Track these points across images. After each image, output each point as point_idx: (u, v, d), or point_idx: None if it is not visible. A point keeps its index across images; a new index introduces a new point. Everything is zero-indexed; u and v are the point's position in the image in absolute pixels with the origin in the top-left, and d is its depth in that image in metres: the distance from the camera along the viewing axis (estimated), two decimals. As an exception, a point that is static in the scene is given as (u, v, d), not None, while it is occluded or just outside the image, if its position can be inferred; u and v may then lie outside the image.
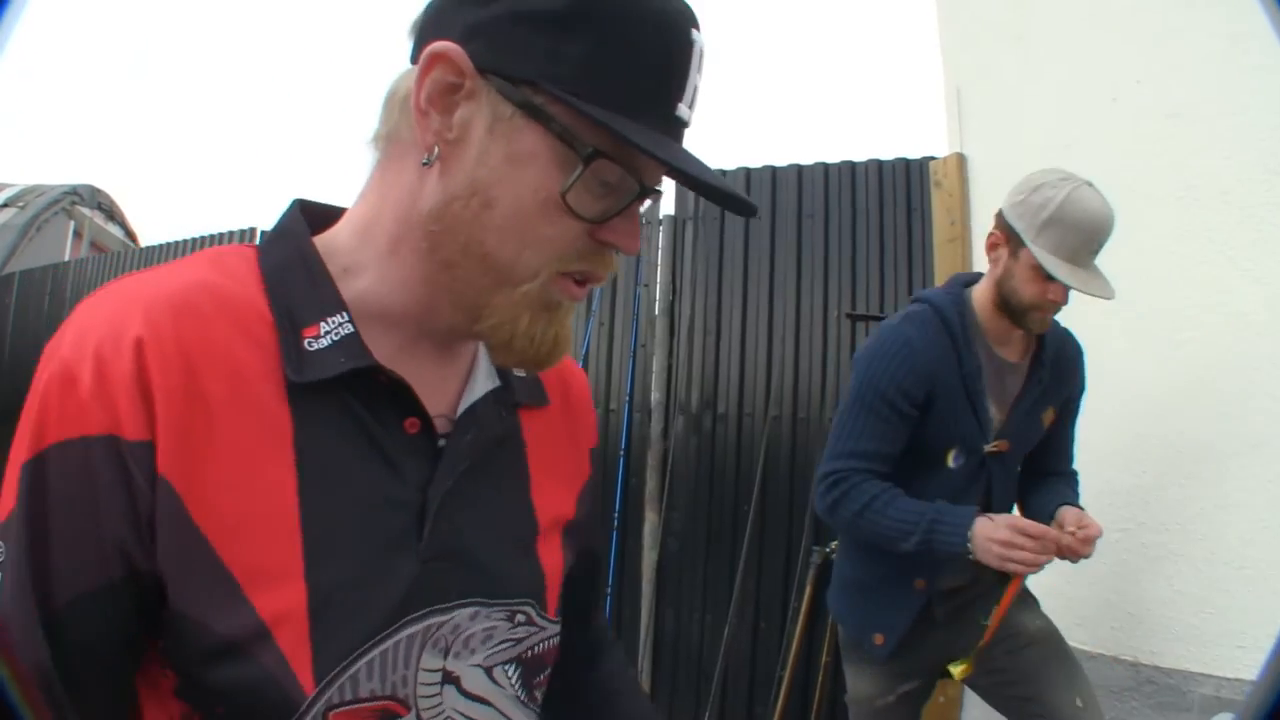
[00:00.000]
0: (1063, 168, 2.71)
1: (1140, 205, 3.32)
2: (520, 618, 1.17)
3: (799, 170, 5.46)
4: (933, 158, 4.93)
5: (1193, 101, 3.18)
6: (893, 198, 5.16)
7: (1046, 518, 2.72)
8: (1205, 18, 3.16)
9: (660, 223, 5.74)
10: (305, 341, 1.04)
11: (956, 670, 2.79)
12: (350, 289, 1.10)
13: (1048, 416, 2.93)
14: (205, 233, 8.52)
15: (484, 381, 1.20)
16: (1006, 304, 2.75)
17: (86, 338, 0.98)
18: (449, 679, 1.09)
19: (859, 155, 5.35)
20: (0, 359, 11.07)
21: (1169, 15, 3.32)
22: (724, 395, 5.48)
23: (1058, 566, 2.69)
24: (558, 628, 1.24)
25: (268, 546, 0.99)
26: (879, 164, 5.24)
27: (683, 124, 1.06)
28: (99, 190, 15.99)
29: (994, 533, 2.54)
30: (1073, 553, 2.59)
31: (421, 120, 1.03)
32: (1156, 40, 3.34)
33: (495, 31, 1.00)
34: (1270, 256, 2.93)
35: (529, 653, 1.19)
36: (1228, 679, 2.94)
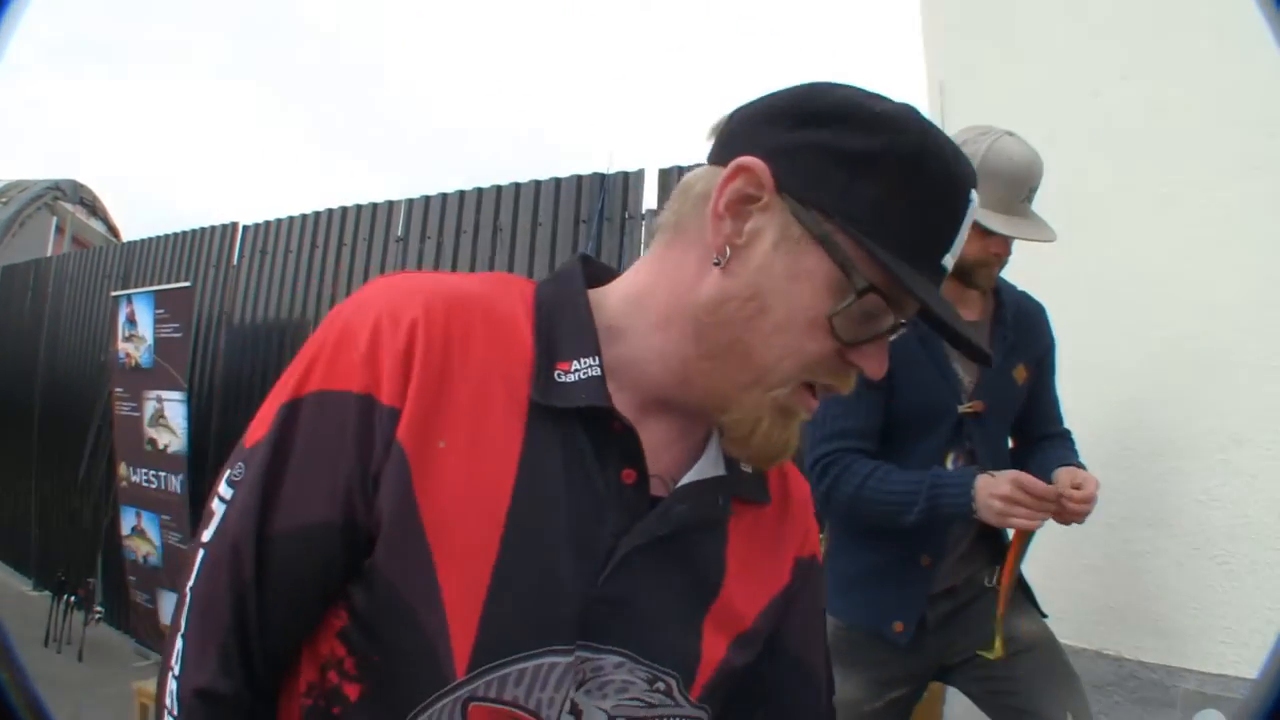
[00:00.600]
0: (989, 125, 2.71)
1: (1122, 200, 3.33)
2: (660, 685, 1.19)
3: (782, 164, 5.42)
4: (916, 152, 4.90)
5: (1176, 96, 3.19)
6: (877, 192, 5.12)
7: (1046, 480, 2.69)
8: (1189, 13, 3.16)
9: (644, 217, 5.68)
10: (556, 372, 1.14)
11: (989, 654, 2.72)
12: (610, 346, 1.18)
13: (1020, 374, 2.89)
14: (187, 227, 8.49)
15: (712, 466, 1.24)
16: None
17: (370, 309, 1.11)
18: (574, 710, 1.14)
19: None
20: (-18, 354, 11.05)
21: (1153, 10, 3.32)
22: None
23: (1043, 565, 2.69)
24: (698, 712, 1.25)
25: (469, 536, 1.08)
26: (862, 158, 5.21)
27: (945, 272, 1.14)
28: (81, 185, 15.93)
29: (995, 488, 2.50)
30: (1074, 516, 2.57)
31: (716, 223, 1.12)
32: (1139, 35, 3.35)
33: (798, 157, 1.09)
34: (1253, 252, 2.94)
35: None
36: (1211, 674, 2.95)
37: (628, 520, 1.15)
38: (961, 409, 2.76)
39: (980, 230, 2.62)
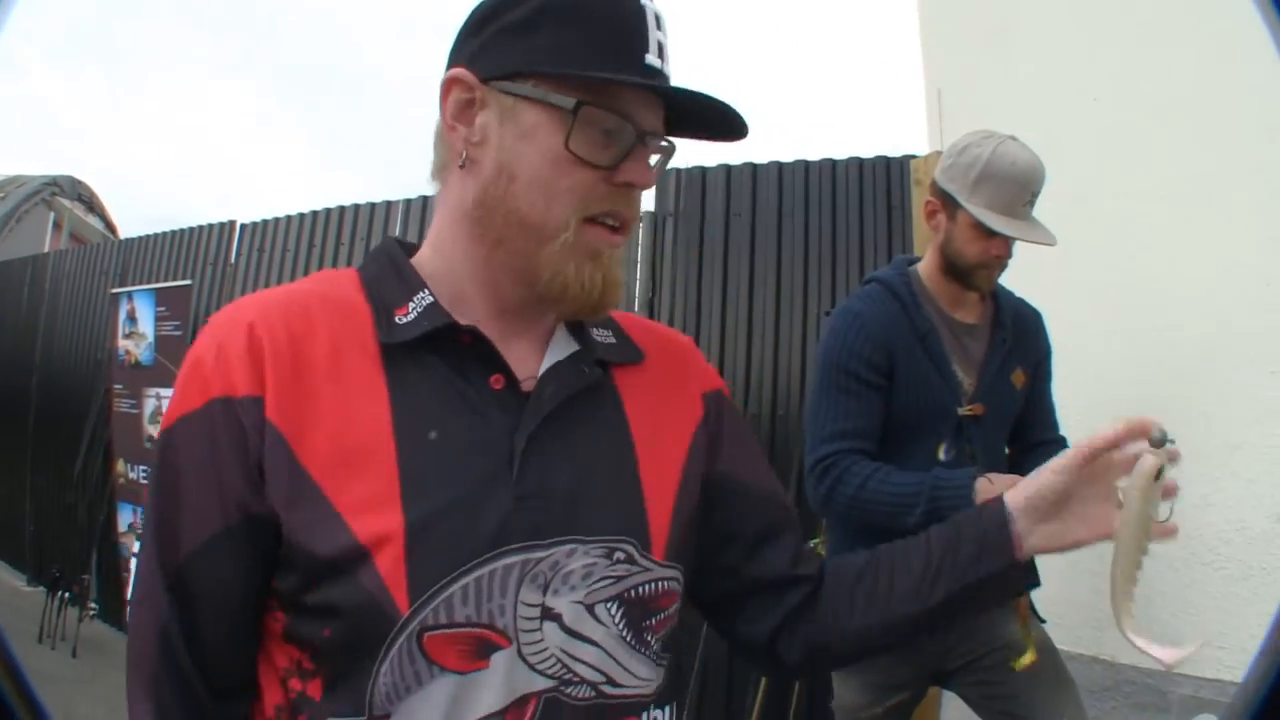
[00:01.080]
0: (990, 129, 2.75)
1: (1121, 205, 3.33)
2: (619, 555, 1.23)
3: (779, 168, 5.44)
4: (913, 156, 4.91)
5: (1174, 101, 3.19)
6: (873, 196, 5.14)
7: None
8: (1186, 18, 3.16)
9: (640, 219, 5.67)
10: (396, 318, 1.22)
11: (1023, 661, 2.73)
12: (435, 291, 1.26)
13: (1018, 378, 2.91)
14: (185, 225, 8.48)
15: (563, 347, 1.32)
16: (953, 267, 2.79)
17: (213, 332, 1.20)
18: (549, 615, 1.17)
19: (840, 153, 5.34)
20: (-22, 350, 11.02)
21: (1151, 15, 3.32)
22: (704, 392, 5.37)
23: (1038, 569, 2.68)
24: (670, 572, 1.29)
25: (367, 480, 1.14)
26: (860, 162, 5.23)
27: (655, 71, 1.21)
28: (79, 181, 15.93)
29: (994, 494, 2.49)
30: None
31: (451, 135, 1.25)
32: (1138, 40, 3.35)
33: (488, 49, 1.22)
34: (1252, 257, 2.94)
35: (631, 593, 1.24)
36: (1206, 679, 2.95)
37: (513, 420, 1.22)
38: (961, 411, 2.77)
39: (982, 231, 2.66)
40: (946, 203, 2.76)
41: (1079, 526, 1.37)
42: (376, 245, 1.38)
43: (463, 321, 1.23)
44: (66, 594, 7.92)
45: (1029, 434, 3.01)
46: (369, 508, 1.12)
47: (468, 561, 1.13)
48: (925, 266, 2.90)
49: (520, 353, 1.28)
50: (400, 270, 1.29)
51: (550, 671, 1.16)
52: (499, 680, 1.13)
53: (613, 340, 1.38)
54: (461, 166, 1.24)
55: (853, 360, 2.72)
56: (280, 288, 1.28)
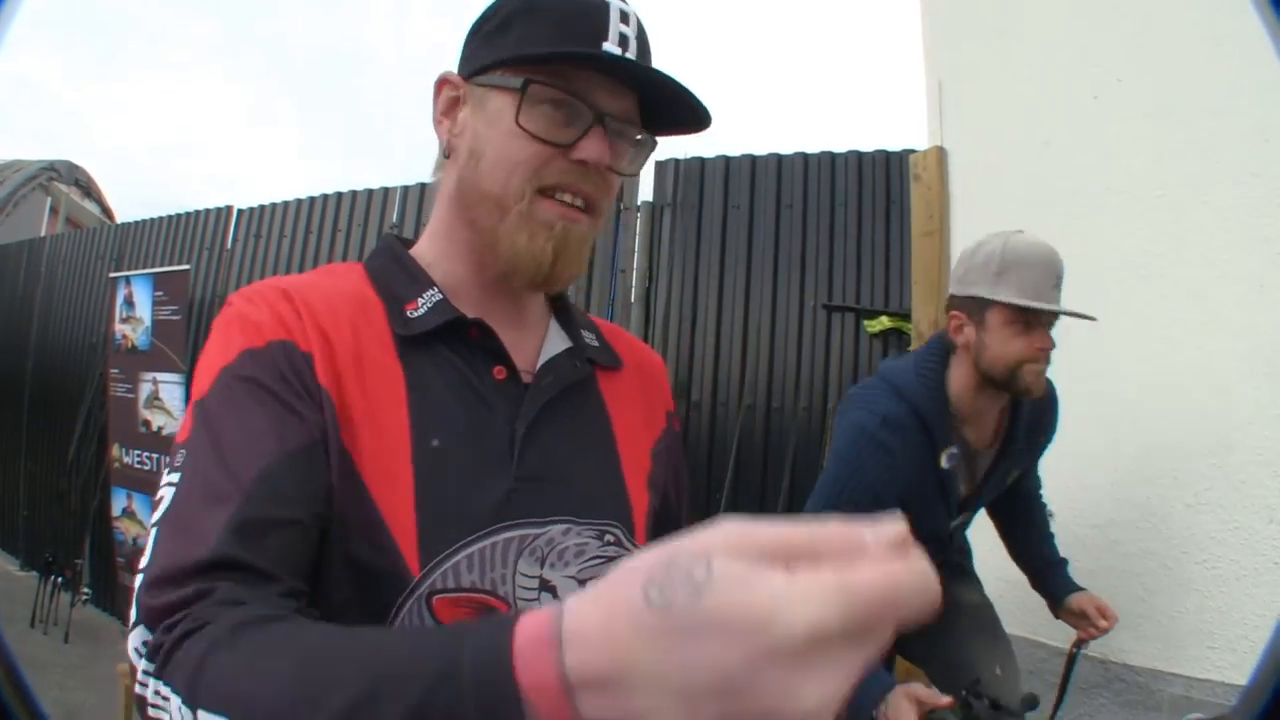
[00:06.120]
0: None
1: (1118, 204, 3.33)
2: (609, 538, 1.35)
3: (778, 160, 5.43)
4: (912, 150, 4.91)
5: (1174, 101, 3.19)
6: (871, 189, 5.14)
7: (1049, 586, 2.93)
8: (1188, 18, 3.16)
9: (638, 209, 5.69)
10: (408, 312, 1.31)
11: None
12: (436, 280, 1.37)
13: (1013, 477, 2.96)
14: (181, 210, 8.47)
15: (558, 342, 1.45)
16: (992, 377, 2.63)
17: (251, 293, 1.27)
18: (546, 587, 1.27)
19: (839, 146, 5.34)
20: (-28, 334, 11.01)
21: (1152, 14, 3.32)
22: (698, 384, 5.44)
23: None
24: None
25: (387, 460, 1.21)
26: (858, 155, 5.22)
27: (619, 60, 1.26)
28: (76, 166, 15.91)
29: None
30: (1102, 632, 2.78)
31: (439, 129, 1.38)
32: (1139, 39, 3.35)
33: (472, 53, 1.35)
34: (1247, 258, 2.94)
35: None
36: (1197, 679, 2.95)
37: (514, 408, 1.32)
38: (953, 525, 2.88)
39: (1018, 323, 2.57)
40: (971, 309, 2.64)
41: None
42: (378, 243, 1.46)
43: (467, 313, 1.32)
44: (59, 579, 7.91)
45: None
46: (387, 481, 1.20)
47: (472, 533, 1.22)
48: (956, 384, 2.73)
49: (515, 342, 1.37)
50: (405, 265, 1.38)
51: None
52: None
53: (596, 344, 1.51)
54: (447, 157, 1.37)
55: (863, 496, 2.56)
56: (293, 276, 1.35)
